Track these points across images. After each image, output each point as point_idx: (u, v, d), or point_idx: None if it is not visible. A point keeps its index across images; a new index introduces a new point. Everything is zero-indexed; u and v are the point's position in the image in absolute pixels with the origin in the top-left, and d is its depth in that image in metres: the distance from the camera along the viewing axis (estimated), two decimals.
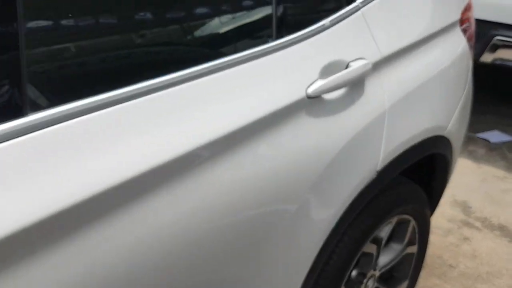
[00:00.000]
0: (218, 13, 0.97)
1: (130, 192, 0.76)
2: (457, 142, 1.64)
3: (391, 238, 1.60)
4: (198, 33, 0.94)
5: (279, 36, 1.00)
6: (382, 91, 1.20)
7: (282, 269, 1.09)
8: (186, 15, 0.94)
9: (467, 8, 1.67)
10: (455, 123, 1.57)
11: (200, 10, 0.95)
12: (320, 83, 1.02)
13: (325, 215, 1.12)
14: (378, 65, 1.19)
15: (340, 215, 1.16)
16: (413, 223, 1.59)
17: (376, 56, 1.18)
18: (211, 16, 0.96)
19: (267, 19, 0.99)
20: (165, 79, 0.83)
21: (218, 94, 0.89)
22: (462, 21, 1.61)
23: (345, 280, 1.34)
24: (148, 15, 0.89)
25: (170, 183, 0.82)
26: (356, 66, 1.10)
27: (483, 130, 3.50)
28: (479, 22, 3.03)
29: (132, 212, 0.77)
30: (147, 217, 0.79)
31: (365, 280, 1.52)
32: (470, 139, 3.37)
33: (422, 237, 1.68)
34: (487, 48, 3.00)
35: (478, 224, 2.47)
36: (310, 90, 1.01)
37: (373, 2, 1.21)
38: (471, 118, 3.60)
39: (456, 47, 1.54)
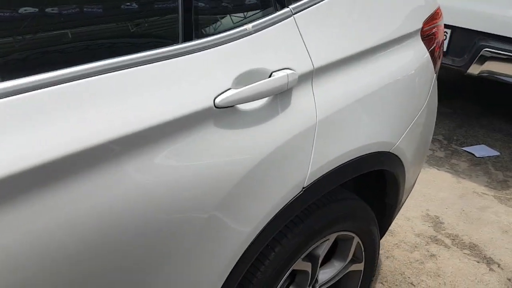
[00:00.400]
0: (121, 9, 0.92)
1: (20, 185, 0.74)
2: (410, 160, 1.57)
3: (332, 254, 1.55)
4: (93, 29, 0.89)
5: (187, 39, 0.94)
6: (312, 104, 1.14)
7: (190, 281, 1.04)
8: (84, 10, 0.88)
9: (434, 17, 1.60)
10: (407, 140, 1.50)
11: (102, 6, 0.90)
12: (231, 93, 0.96)
13: (239, 231, 1.06)
14: (309, 76, 1.13)
15: (258, 232, 1.11)
16: (357, 240, 1.53)
17: (307, 67, 1.12)
18: (112, 12, 0.91)
19: (173, 20, 0.93)
20: (55, 75, 0.79)
21: (108, 95, 0.84)
22: (425, 31, 1.53)
23: None
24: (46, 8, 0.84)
25: (54, 186, 0.78)
26: (278, 77, 1.03)
27: (470, 144, 3.42)
28: (467, 31, 2.96)
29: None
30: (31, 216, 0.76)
31: None
32: (454, 152, 3.29)
33: (370, 254, 1.61)
34: (475, 60, 2.91)
35: (447, 241, 2.40)
36: (219, 100, 0.95)
37: (309, 9, 1.14)
38: (459, 130, 3.53)
39: (412, 59, 1.47)
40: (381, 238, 1.80)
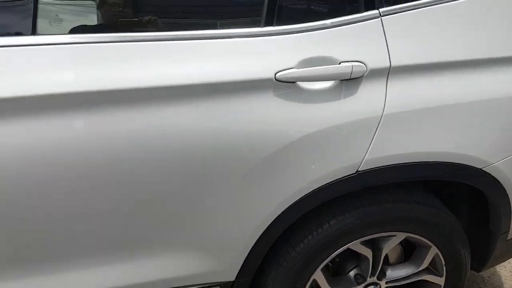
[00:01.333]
0: None
1: None
2: None
3: (408, 257, 1.59)
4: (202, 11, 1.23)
5: (268, 24, 1.19)
6: (382, 98, 1.24)
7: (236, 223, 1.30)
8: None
9: None
10: None
11: None
12: (292, 71, 1.17)
13: (280, 190, 1.27)
14: (384, 73, 1.23)
15: (306, 193, 1.28)
16: (436, 251, 1.53)
17: (383, 64, 1.23)
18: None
19: (259, 7, 1.20)
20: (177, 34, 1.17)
21: (196, 54, 1.17)
22: None
23: (322, 264, 1.44)
24: None
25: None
26: (342, 65, 1.19)
27: None
28: None
29: None
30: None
31: (363, 284, 1.56)
32: None
33: (452, 272, 1.58)
34: None
35: None
36: (279, 74, 1.17)
37: (401, 14, 1.24)
38: None
39: None
40: (483, 267, 1.71)
